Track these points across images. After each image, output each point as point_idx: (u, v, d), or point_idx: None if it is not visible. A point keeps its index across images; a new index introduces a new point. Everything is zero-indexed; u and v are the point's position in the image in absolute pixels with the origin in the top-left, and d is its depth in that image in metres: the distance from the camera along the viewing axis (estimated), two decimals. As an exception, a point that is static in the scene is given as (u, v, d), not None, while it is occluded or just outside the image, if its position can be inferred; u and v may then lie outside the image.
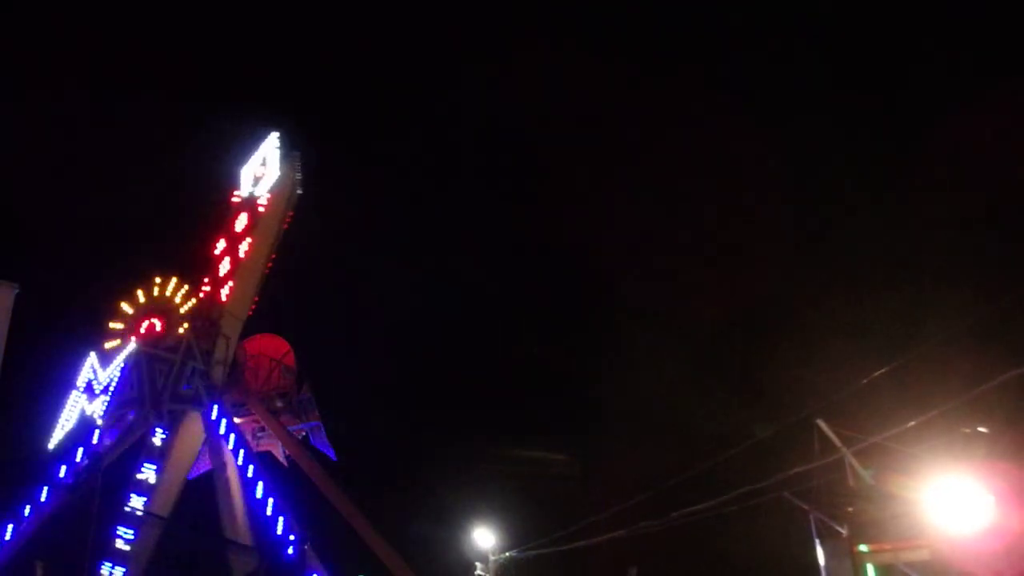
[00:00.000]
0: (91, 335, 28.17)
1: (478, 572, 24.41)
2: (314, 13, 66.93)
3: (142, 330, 27.17)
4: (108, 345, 27.60)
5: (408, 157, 62.52)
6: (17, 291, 21.60)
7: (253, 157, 28.44)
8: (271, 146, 28.13)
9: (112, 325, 28.00)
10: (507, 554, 24.53)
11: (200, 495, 26.44)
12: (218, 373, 25.64)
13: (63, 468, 24.99)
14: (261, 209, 27.08)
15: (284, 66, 66.78)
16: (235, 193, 28.29)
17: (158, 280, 28.05)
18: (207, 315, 26.18)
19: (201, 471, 27.19)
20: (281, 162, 27.53)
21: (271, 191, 27.40)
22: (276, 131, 28.18)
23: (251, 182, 28.14)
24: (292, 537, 20.64)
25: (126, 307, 28.04)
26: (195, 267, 28.19)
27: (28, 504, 24.57)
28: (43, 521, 24.31)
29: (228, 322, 26.15)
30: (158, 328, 27.04)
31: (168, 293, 27.68)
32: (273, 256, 27.35)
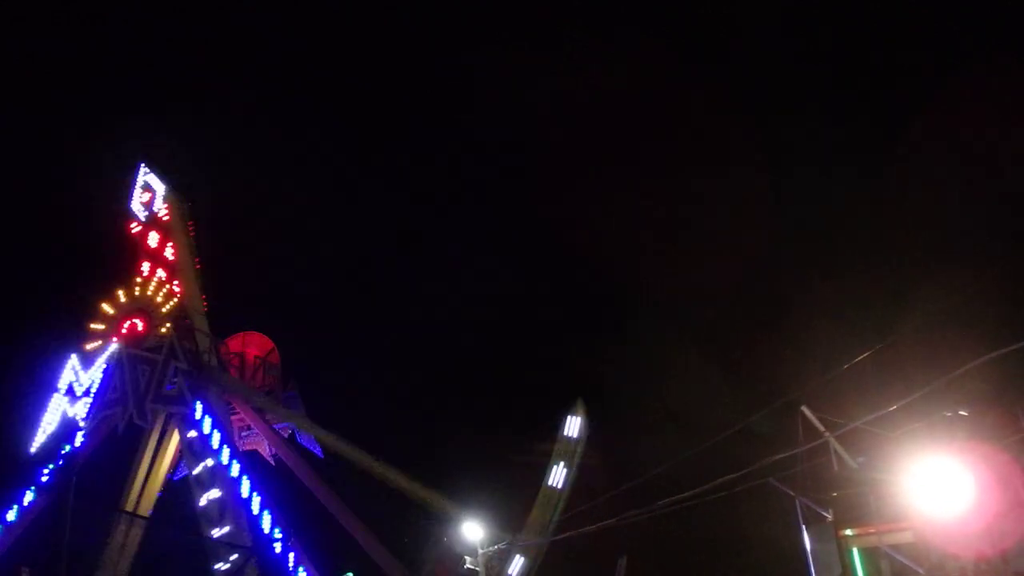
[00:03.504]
0: (72, 337, 27.88)
1: (468, 565, 24.40)
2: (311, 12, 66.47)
3: (124, 331, 26.91)
4: (89, 347, 27.30)
5: (407, 157, 62.49)
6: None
7: (134, 192, 29.77)
8: (145, 173, 29.76)
9: (93, 326, 27.71)
10: (497, 547, 24.53)
11: (185, 494, 26.29)
12: (201, 366, 25.49)
13: (46, 471, 24.76)
14: (166, 218, 28.72)
15: (297, 68, 66.24)
16: (131, 225, 29.41)
17: (139, 280, 27.75)
18: (185, 314, 26.08)
19: (186, 471, 27.01)
20: (162, 181, 29.42)
21: (166, 203, 29.01)
22: (142, 160, 29.99)
23: (143, 209, 29.39)
24: (279, 534, 20.57)
25: (107, 308, 27.74)
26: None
27: (11, 509, 24.35)
28: (27, 526, 24.11)
29: (195, 318, 26.98)
30: (140, 328, 26.79)
31: (150, 293, 27.38)
32: (197, 259, 28.68)
